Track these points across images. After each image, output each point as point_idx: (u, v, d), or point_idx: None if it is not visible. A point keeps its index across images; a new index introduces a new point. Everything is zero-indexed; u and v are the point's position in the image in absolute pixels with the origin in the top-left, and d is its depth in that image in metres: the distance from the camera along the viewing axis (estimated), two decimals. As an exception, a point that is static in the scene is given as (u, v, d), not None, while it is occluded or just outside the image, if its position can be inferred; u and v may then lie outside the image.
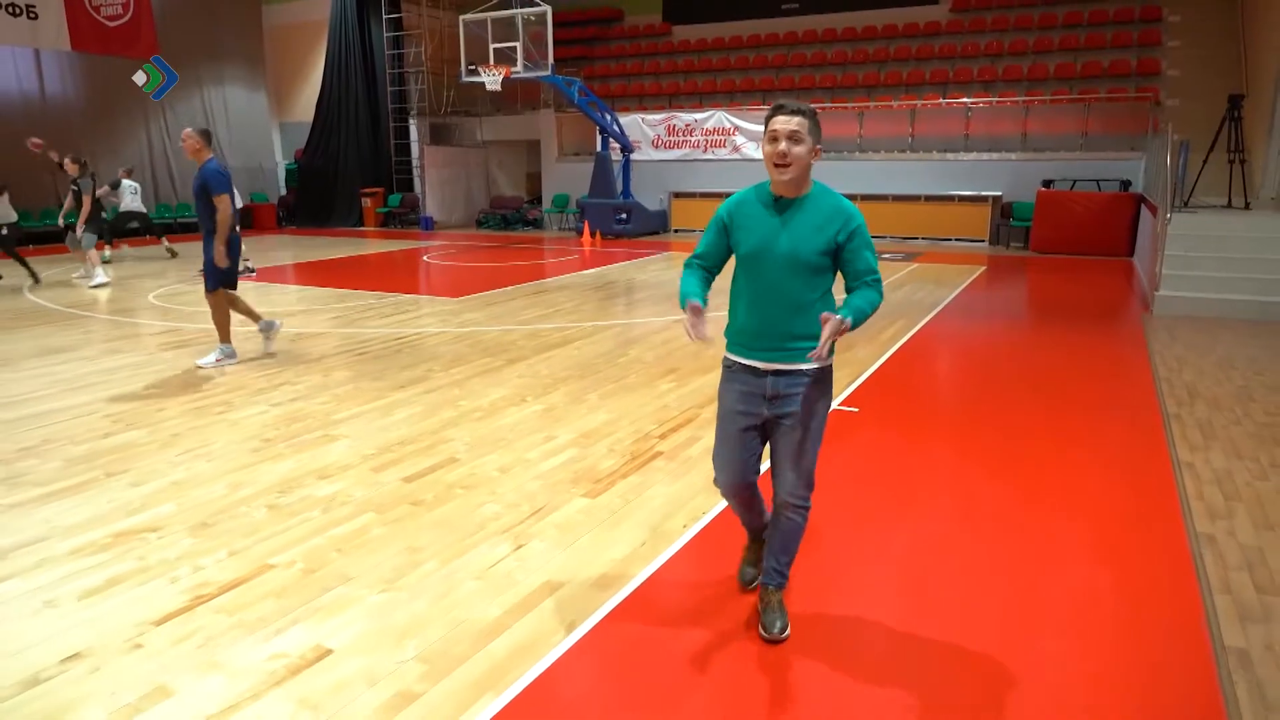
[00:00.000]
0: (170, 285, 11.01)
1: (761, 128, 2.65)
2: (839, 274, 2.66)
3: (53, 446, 4.73)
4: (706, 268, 2.75)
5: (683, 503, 3.89)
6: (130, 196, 14.08)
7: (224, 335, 6.67)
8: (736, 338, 2.72)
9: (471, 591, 3.11)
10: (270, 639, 2.81)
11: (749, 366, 2.69)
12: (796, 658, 2.69)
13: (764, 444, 2.79)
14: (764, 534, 2.95)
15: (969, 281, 11.04)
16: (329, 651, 2.74)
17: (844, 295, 2.61)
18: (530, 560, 3.35)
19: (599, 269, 12.58)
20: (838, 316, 2.44)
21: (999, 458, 4.51)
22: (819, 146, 2.55)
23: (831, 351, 2.64)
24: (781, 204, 2.60)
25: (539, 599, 3.05)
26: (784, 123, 2.50)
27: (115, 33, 17.62)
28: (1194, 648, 2.73)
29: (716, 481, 2.88)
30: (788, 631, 2.77)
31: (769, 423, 2.70)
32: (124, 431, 4.99)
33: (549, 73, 15.46)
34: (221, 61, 20.24)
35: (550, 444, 4.71)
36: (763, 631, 2.78)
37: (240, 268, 11.56)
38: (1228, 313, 8.35)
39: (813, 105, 2.62)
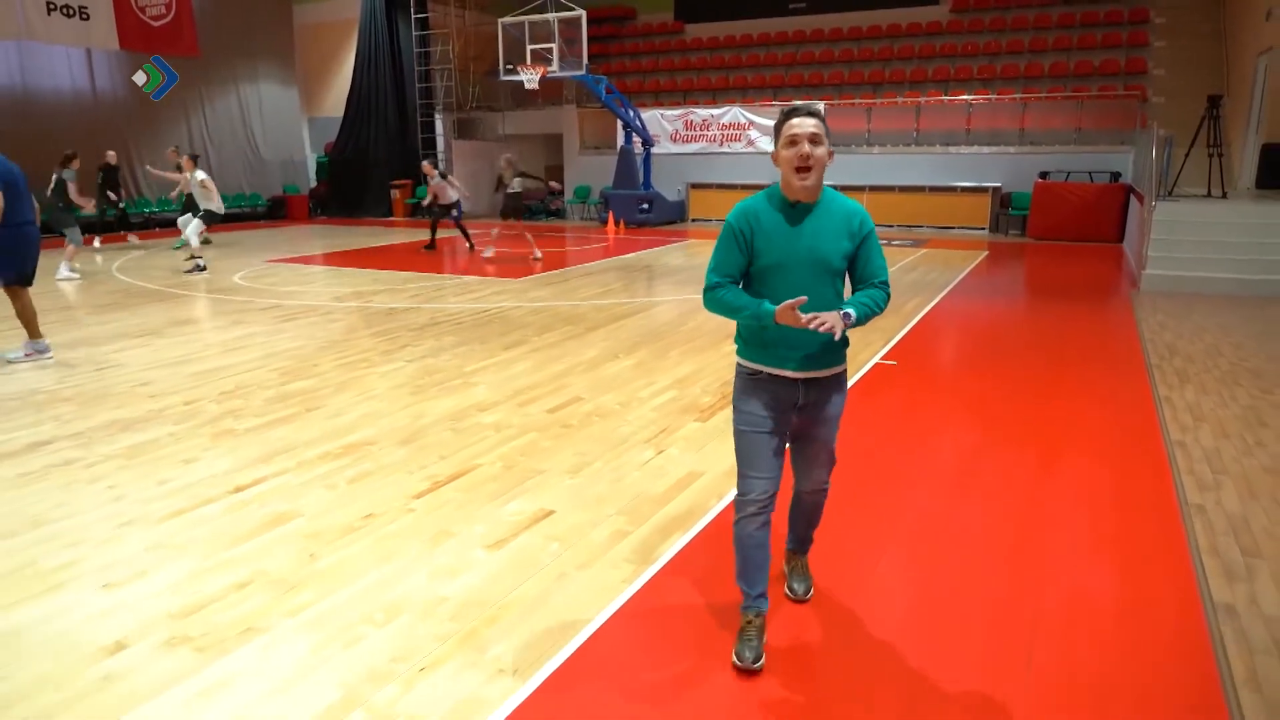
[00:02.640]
0: (248, 269, 12.02)
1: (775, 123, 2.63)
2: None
3: (247, 390, 5.80)
4: (735, 283, 2.62)
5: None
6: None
7: (32, 331, 6.62)
8: (763, 347, 2.64)
9: (637, 478, 4.21)
10: (504, 505, 3.90)
11: (778, 376, 2.64)
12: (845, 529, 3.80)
13: (785, 448, 2.79)
14: (757, 610, 2.74)
15: (973, 265, 12.16)
16: (552, 511, 3.83)
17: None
18: (672, 460, 4.45)
19: (632, 254, 13.66)
20: (841, 310, 2.49)
21: (1013, 395, 5.63)
22: (831, 149, 2.56)
23: (844, 346, 2.69)
24: (800, 209, 2.57)
25: (689, 481, 4.15)
26: (803, 125, 2.49)
27: (159, 32, 18.56)
28: (1164, 502, 3.85)
29: (744, 496, 2.69)
30: (811, 592, 3.08)
31: (795, 427, 2.73)
32: (295, 381, 6.06)
33: (583, 72, 16.52)
34: (255, 59, 21.16)
35: (653, 387, 5.81)
36: (789, 593, 3.07)
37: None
38: (1205, 288, 9.49)
39: (821, 104, 2.89)
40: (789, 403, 2.64)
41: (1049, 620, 2.92)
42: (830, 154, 2.53)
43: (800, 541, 3.13)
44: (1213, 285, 9.52)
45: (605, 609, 3.00)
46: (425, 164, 14.27)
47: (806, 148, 2.47)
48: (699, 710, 2.47)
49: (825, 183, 2.59)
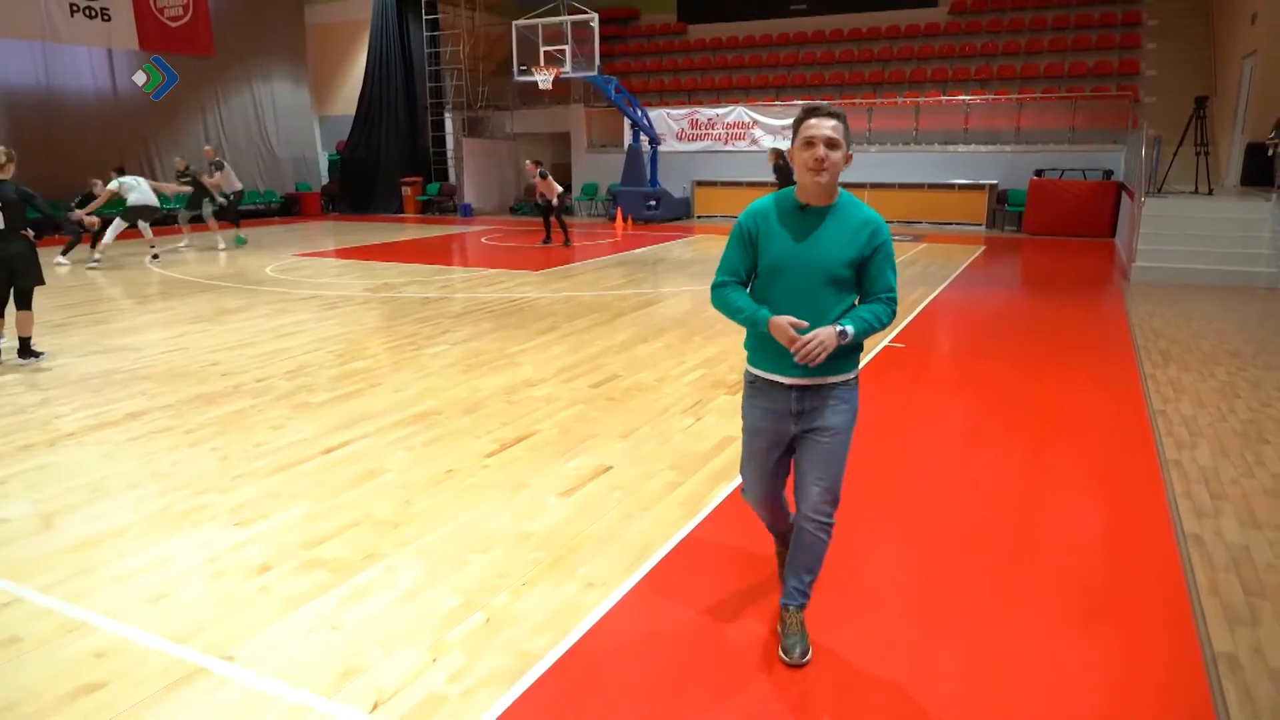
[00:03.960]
0: (277, 262, 12.52)
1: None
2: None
3: (310, 370, 6.31)
4: (740, 284, 2.64)
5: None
6: (134, 193, 12.45)
7: None
8: (760, 352, 2.64)
9: (681, 440, 4.74)
10: (567, 462, 4.43)
11: (774, 382, 2.61)
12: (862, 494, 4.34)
13: (790, 459, 2.77)
14: (789, 538, 2.88)
15: (972, 259, 12.71)
16: (610, 466, 4.36)
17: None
18: (710, 426, 4.98)
19: (643, 249, 14.18)
20: (835, 326, 2.43)
21: (1012, 374, 6.17)
22: (850, 152, 2.51)
23: (855, 364, 2.64)
24: (809, 213, 2.53)
25: (727, 444, 4.68)
26: (820, 126, 2.44)
27: (177, 32, 19.08)
28: (1146, 459, 4.39)
29: (744, 493, 2.93)
30: (809, 656, 2.66)
31: (795, 438, 2.65)
32: (352, 362, 6.57)
33: (595, 72, 17.06)
34: (268, 58, 21.61)
35: (683, 366, 6.34)
36: (783, 655, 2.66)
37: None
38: (1192, 280, 10.05)
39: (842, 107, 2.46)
40: (785, 411, 2.61)
41: (1045, 553, 3.45)
42: (849, 158, 2.49)
43: (794, 593, 2.73)
44: (1199, 276, 10.07)
45: (668, 541, 3.53)
46: (528, 162, 14.39)
47: (821, 150, 2.43)
48: (753, 618, 3.00)
49: None
